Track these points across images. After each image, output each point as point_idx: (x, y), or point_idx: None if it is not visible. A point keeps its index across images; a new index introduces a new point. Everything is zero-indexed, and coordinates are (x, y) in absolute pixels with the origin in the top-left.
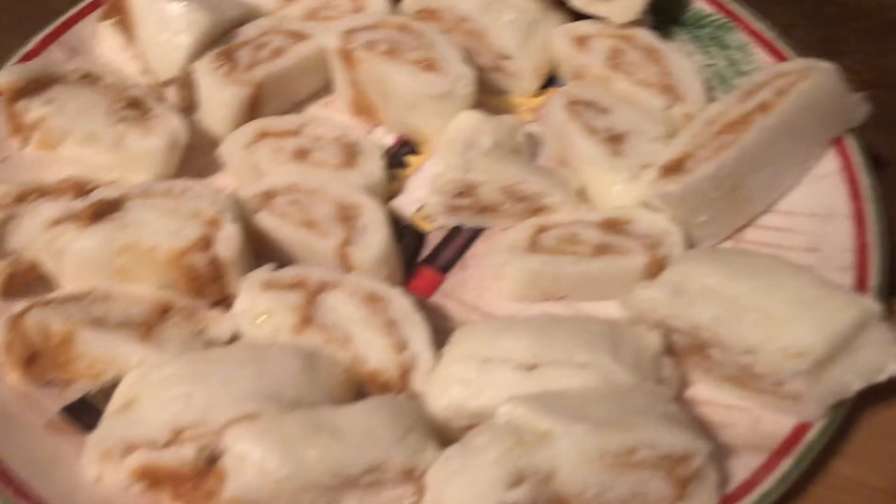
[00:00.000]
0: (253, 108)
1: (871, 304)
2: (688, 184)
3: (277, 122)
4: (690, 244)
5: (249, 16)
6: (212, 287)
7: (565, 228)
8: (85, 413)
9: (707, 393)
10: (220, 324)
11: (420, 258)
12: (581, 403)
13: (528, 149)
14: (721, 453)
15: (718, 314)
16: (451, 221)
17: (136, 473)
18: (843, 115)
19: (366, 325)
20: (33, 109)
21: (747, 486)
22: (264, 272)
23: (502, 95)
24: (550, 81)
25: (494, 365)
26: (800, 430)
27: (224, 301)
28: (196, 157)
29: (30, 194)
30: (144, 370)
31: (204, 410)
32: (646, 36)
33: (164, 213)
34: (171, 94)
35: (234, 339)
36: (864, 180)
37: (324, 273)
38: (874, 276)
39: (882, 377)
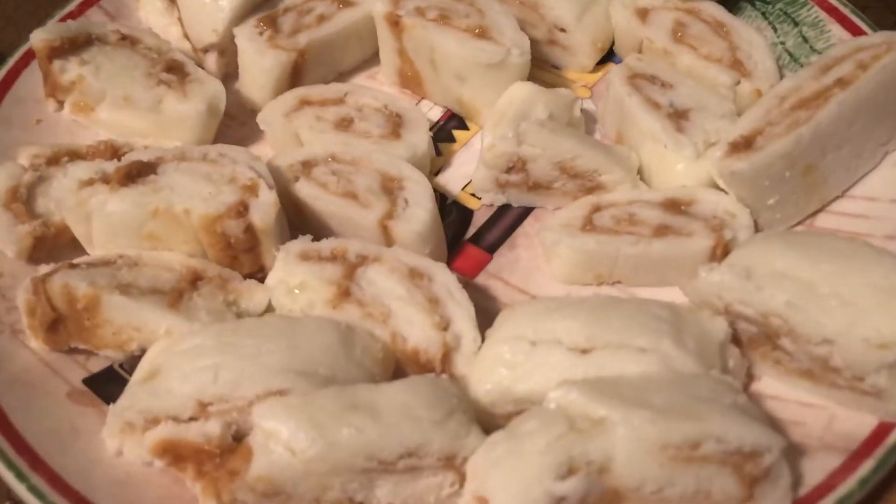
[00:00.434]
0: (294, 77)
1: None
2: (758, 162)
3: (319, 91)
4: (758, 229)
5: None
6: (245, 257)
7: (623, 208)
8: (109, 384)
9: (775, 388)
10: (253, 295)
11: (465, 237)
12: (640, 390)
13: (583, 126)
14: (792, 453)
15: (792, 300)
16: (500, 199)
17: (157, 448)
18: None
19: (407, 301)
20: (69, 70)
21: (822, 489)
22: (301, 243)
23: (557, 71)
24: (607, 57)
25: (544, 347)
26: (881, 431)
27: (258, 273)
28: (234, 127)
29: (62, 157)
30: (171, 340)
31: (232, 384)
32: (712, 9)
33: (199, 177)
34: (211, 60)
35: (267, 311)
36: None
37: (364, 246)
38: None
39: None
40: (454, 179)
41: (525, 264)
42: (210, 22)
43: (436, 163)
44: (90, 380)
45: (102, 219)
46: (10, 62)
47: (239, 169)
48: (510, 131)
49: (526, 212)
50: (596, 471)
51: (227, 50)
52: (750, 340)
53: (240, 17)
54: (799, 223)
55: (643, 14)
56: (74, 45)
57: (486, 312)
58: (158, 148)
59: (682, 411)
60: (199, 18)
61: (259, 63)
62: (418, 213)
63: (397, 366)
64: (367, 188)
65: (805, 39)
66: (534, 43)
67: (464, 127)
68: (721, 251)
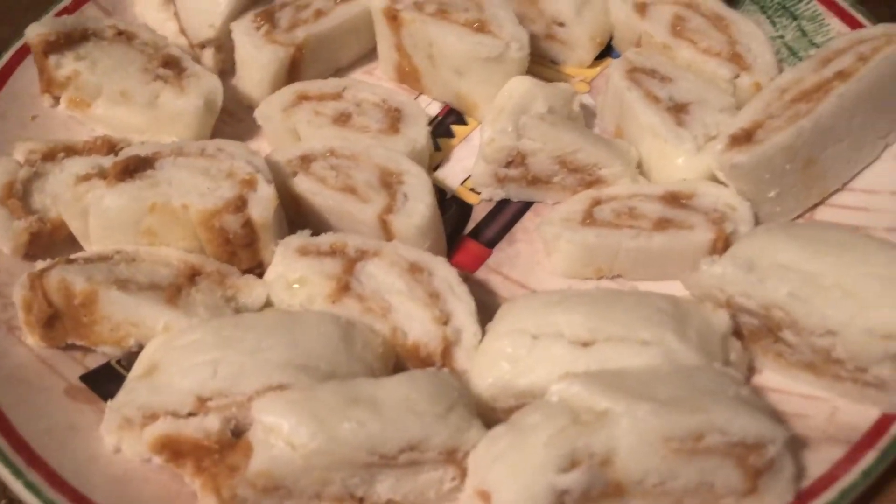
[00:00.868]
0: (292, 72)
1: None
2: (758, 155)
3: (317, 86)
4: (758, 222)
5: None
6: (244, 252)
7: (623, 201)
8: (107, 381)
9: (777, 381)
10: (251, 290)
11: (465, 231)
12: (643, 382)
13: (582, 121)
14: (794, 445)
15: (794, 291)
16: (499, 194)
17: (156, 444)
18: None
19: (407, 295)
20: (65, 65)
21: (826, 481)
22: (300, 237)
23: (555, 66)
24: (605, 52)
25: (546, 340)
26: (884, 422)
27: (256, 268)
28: (231, 122)
29: (58, 152)
30: (170, 335)
31: (231, 379)
32: (711, 2)
33: (196, 172)
34: (208, 55)
35: (266, 306)
36: None
37: (363, 240)
38: None
39: None
40: (453, 174)
41: (525, 259)
42: (207, 17)
43: (434, 157)
44: (87, 376)
45: (99, 214)
46: (6, 57)
47: (237, 164)
48: (510, 125)
49: (525, 206)
50: (598, 463)
51: (224, 45)
52: (752, 333)
53: (237, 13)
54: (799, 216)
55: (642, 8)
56: (70, 41)
57: (487, 307)
58: (156, 143)
59: (685, 403)
60: (196, 14)
61: (256, 58)
62: (418, 207)
63: (397, 360)
64: (366, 183)
65: (804, 33)
66: (532, 37)
67: (462, 122)
68: (722, 244)
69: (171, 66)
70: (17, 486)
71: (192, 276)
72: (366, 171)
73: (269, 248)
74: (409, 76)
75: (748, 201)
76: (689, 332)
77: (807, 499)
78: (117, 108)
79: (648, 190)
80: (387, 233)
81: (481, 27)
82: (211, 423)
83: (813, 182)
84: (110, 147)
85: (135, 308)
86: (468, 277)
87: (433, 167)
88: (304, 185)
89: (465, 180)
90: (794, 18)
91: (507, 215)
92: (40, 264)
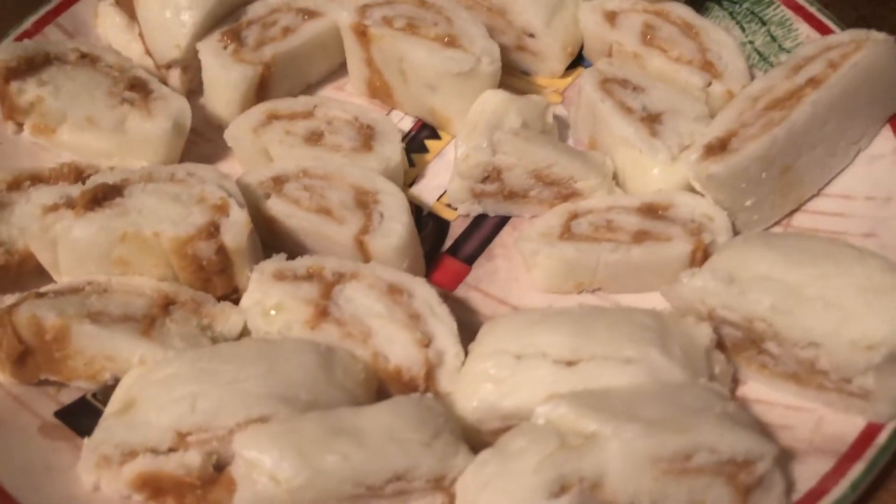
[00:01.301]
0: (261, 91)
1: None
2: (734, 164)
3: (287, 104)
4: (735, 231)
5: None
6: (218, 279)
7: (600, 214)
8: (82, 416)
9: (762, 392)
10: (227, 318)
11: (443, 248)
12: (629, 402)
13: (556, 132)
14: (782, 458)
15: (776, 303)
16: (476, 209)
17: (136, 481)
18: None
19: (387, 318)
20: (28, 91)
21: (815, 494)
22: (276, 262)
23: (527, 76)
24: (576, 61)
25: (529, 361)
26: (869, 432)
27: (231, 295)
28: (200, 143)
29: (24, 181)
30: (146, 369)
31: (211, 413)
32: (681, 10)
33: (167, 198)
34: (174, 76)
35: (243, 334)
36: None
37: (340, 263)
38: None
39: None
40: (428, 190)
41: (504, 274)
42: (172, 38)
43: (409, 174)
44: (62, 412)
45: (69, 245)
46: None
47: (208, 188)
48: (484, 141)
49: (503, 221)
50: (588, 487)
51: (190, 66)
52: (734, 345)
53: (202, 32)
54: (776, 223)
55: (612, 17)
56: (32, 66)
57: (467, 325)
58: (124, 169)
59: (673, 423)
60: (161, 34)
61: (224, 78)
62: (394, 227)
63: (380, 385)
64: (340, 203)
65: (773, 38)
66: (503, 49)
67: (436, 136)
68: (701, 255)
69: (137, 89)
70: None
71: (167, 305)
72: (340, 191)
73: (243, 274)
74: (380, 91)
75: (725, 210)
76: (673, 347)
77: None
78: (83, 133)
79: (625, 202)
80: (364, 254)
81: (451, 41)
82: (192, 459)
83: (789, 189)
84: (77, 174)
85: (109, 341)
86: (447, 296)
87: (408, 183)
88: (277, 207)
89: (440, 196)
90: (763, 24)
91: (485, 230)
92: (8, 299)
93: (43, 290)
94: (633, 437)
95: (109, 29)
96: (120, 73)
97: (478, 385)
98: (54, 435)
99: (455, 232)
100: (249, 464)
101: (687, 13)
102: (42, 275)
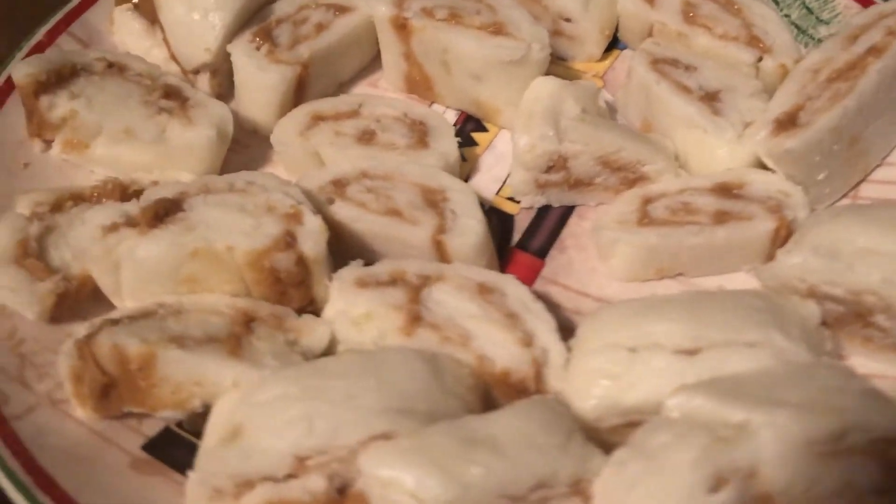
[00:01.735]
0: (298, 92)
1: None
2: (808, 138)
3: (331, 104)
4: (810, 206)
5: None
6: (295, 291)
7: (674, 197)
8: (171, 447)
9: (867, 365)
10: (313, 331)
11: (511, 243)
12: (766, 387)
13: (609, 117)
14: None
15: (888, 276)
16: (540, 200)
17: None
18: None
19: (483, 319)
20: (59, 105)
21: None
22: (355, 269)
23: (564, 62)
24: (611, 45)
25: (645, 353)
26: None
27: (307, 306)
28: (238, 150)
29: (65, 201)
30: (244, 392)
31: (330, 433)
32: None
33: (233, 209)
34: (202, 81)
35: (330, 346)
36: None
37: (422, 265)
38: None
39: None
40: (485, 184)
41: (579, 265)
42: (201, 41)
43: (462, 168)
44: (150, 445)
45: (134, 266)
46: None
47: (274, 196)
48: (550, 129)
49: (568, 211)
50: (745, 478)
51: (219, 70)
52: (836, 320)
53: (232, 34)
54: (845, 195)
55: None
56: (61, 78)
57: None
58: (176, 182)
59: (820, 404)
60: (189, 38)
61: (261, 80)
62: (471, 223)
63: (486, 390)
64: (409, 203)
65: (809, 10)
66: None
67: (482, 129)
68: (784, 232)
69: (172, 97)
70: None
71: (247, 322)
72: (405, 190)
73: (322, 284)
74: (419, 85)
75: (798, 186)
76: (791, 328)
77: None
78: (120, 146)
79: (697, 183)
80: (441, 254)
81: (498, 29)
82: (316, 484)
83: (857, 160)
84: (122, 190)
85: (198, 366)
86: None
87: (463, 179)
88: (343, 211)
89: (499, 189)
90: None
91: (551, 222)
92: (78, 329)
93: (114, 316)
94: (786, 422)
95: (127, 36)
96: (151, 81)
97: (593, 382)
98: (147, 470)
99: (521, 225)
100: (385, 483)
101: None
102: (98, 300)
